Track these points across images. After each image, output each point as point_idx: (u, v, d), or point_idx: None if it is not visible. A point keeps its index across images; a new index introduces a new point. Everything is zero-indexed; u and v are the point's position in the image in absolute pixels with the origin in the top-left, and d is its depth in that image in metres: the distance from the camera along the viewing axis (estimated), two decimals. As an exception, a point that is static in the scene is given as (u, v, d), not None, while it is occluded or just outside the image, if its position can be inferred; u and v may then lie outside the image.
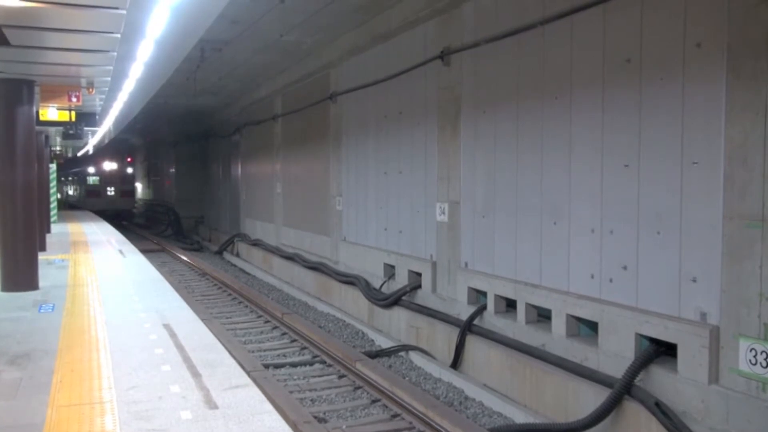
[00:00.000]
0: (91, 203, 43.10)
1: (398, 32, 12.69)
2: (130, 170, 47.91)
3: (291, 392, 9.09)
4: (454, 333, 10.34)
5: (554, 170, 8.76)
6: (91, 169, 45.79)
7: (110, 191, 44.70)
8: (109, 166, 45.84)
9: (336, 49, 15.56)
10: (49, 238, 18.89)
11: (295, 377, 10.01)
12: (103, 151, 43.29)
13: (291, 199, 20.78)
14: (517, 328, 9.36)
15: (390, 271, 13.41)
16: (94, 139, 24.81)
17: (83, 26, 7.16)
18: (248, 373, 8.41)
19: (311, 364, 10.76)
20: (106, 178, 45.58)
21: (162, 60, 9.92)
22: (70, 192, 61.28)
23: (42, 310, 9.07)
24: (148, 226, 42.18)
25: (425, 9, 11.48)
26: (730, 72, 6.29)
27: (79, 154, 41.21)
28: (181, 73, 17.06)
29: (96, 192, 44.84)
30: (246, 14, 12.85)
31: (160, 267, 19.42)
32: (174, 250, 27.31)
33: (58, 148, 30.62)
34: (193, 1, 6.99)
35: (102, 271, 12.94)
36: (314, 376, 10.10)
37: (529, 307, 9.21)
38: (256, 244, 23.51)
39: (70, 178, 62.12)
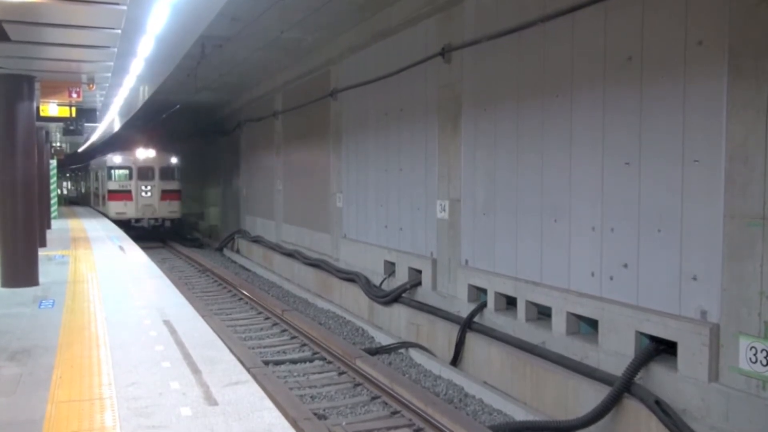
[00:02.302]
0: (116, 210, 28.10)
1: (399, 29, 12.67)
2: (174, 160, 29.63)
3: (291, 389, 9.09)
4: (454, 330, 10.34)
5: (555, 168, 8.76)
6: (115, 159, 28.82)
7: (146, 191, 28.46)
8: (144, 153, 28.67)
9: (337, 47, 15.54)
10: (50, 234, 18.88)
11: (295, 374, 10.02)
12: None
13: (291, 196, 20.76)
14: (517, 325, 9.36)
15: (390, 268, 13.41)
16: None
17: (84, 22, 7.14)
18: (248, 369, 8.40)
19: (311, 360, 10.76)
20: (141, 172, 28.63)
21: (162, 56, 9.90)
22: (85, 190, 43.20)
23: (42, 307, 9.06)
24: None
25: (426, 6, 11.46)
26: (731, 70, 6.28)
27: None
28: (181, 70, 17.02)
29: (123, 193, 28.33)
30: (246, 11, 12.83)
31: (160, 263, 19.40)
32: (174, 247, 27.30)
33: (59, 144, 30.26)
34: (193, -2, 6.98)
35: (102, 267, 12.93)
36: (314, 373, 10.11)
37: (530, 304, 9.21)
38: (257, 240, 23.51)
39: (87, 173, 43.14)
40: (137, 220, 27.95)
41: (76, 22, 7.12)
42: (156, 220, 28.40)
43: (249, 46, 16.15)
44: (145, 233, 27.41)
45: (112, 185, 28.48)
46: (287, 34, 14.60)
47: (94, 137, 28.45)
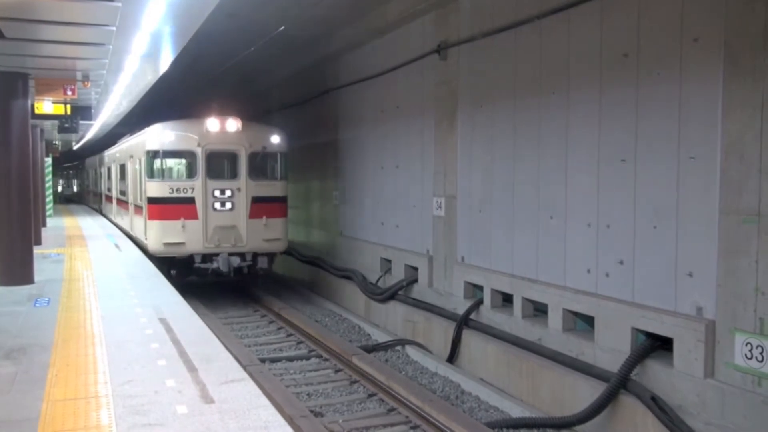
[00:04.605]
0: (164, 237, 14.10)
1: (396, 26, 12.65)
2: (277, 139, 15.10)
3: (287, 386, 9.09)
4: (450, 327, 10.35)
5: (551, 165, 8.76)
6: (165, 137, 14.35)
7: (222, 201, 14.40)
8: (220, 125, 14.44)
9: (333, 44, 15.50)
10: (45, 232, 18.82)
11: (292, 372, 10.02)
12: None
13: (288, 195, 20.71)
14: (513, 322, 9.36)
15: (386, 265, 13.40)
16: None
17: (78, 19, 7.11)
18: (244, 367, 8.39)
19: (307, 358, 10.75)
20: (213, 162, 14.54)
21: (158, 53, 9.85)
22: (107, 189, 25.53)
23: (37, 305, 9.04)
24: None
25: (422, 3, 11.43)
26: (727, 67, 6.28)
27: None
28: (178, 66, 16.85)
29: (177, 204, 14.19)
30: (243, 8, 12.76)
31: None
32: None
33: (56, 143, 29.75)
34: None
35: (98, 265, 12.90)
36: (310, 371, 10.10)
37: (526, 301, 9.22)
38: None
39: (106, 168, 25.69)
40: (205, 258, 14.10)
41: (70, 19, 7.09)
42: (242, 257, 14.32)
43: (245, 42, 16.08)
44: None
45: (156, 188, 14.31)
46: (284, 31, 14.54)
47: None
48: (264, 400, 5.25)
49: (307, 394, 8.95)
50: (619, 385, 7.07)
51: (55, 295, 9.75)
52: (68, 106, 13.54)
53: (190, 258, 14.04)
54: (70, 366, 6.16)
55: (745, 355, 6.11)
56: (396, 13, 12.32)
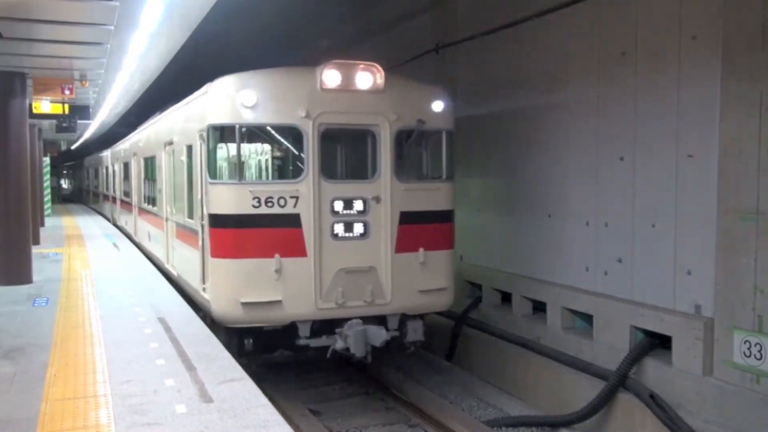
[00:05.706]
0: (241, 293, 7.40)
1: (394, 25, 12.64)
2: (440, 106, 7.76)
3: (286, 386, 9.08)
4: (449, 325, 10.35)
5: (549, 163, 8.76)
6: (243, 97, 7.25)
7: (348, 223, 7.56)
8: (335, 78, 7.44)
9: (330, 42, 15.49)
10: (43, 232, 18.78)
11: (290, 370, 10.00)
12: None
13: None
14: (512, 320, 9.36)
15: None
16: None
17: (76, 18, 7.10)
18: (243, 366, 8.38)
19: (306, 356, 10.72)
20: (331, 149, 8.24)
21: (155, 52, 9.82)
22: (123, 193, 19.03)
23: (36, 304, 9.02)
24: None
25: (420, 1, 11.43)
26: (725, 65, 6.29)
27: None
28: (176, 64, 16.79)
29: (263, 226, 7.37)
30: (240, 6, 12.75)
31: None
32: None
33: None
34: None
35: (96, 264, 12.87)
36: (309, 370, 10.08)
37: (524, 299, 9.22)
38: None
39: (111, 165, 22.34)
40: (316, 328, 7.79)
41: (67, 19, 7.07)
42: (384, 323, 7.82)
43: (242, 41, 16.04)
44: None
45: (227, 197, 7.68)
46: (281, 29, 14.53)
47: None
48: (263, 399, 5.24)
49: (306, 393, 8.93)
50: (618, 383, 7.08)
51: (54, 294, 9.73)
52: (66, 106, 13.51)
53: (290, 327, 7.79)
54: (68, 365, 6.15)
55: (744, 352, 6.12)
56: (394, 12, 12.30)
